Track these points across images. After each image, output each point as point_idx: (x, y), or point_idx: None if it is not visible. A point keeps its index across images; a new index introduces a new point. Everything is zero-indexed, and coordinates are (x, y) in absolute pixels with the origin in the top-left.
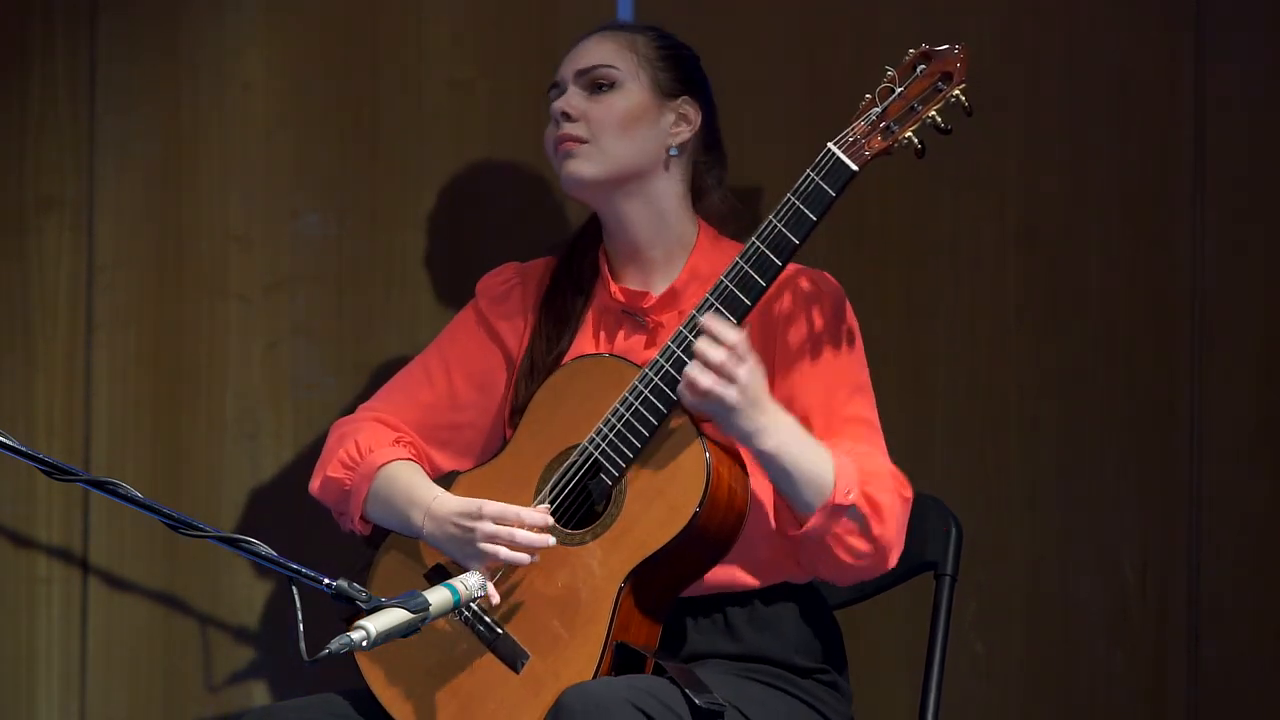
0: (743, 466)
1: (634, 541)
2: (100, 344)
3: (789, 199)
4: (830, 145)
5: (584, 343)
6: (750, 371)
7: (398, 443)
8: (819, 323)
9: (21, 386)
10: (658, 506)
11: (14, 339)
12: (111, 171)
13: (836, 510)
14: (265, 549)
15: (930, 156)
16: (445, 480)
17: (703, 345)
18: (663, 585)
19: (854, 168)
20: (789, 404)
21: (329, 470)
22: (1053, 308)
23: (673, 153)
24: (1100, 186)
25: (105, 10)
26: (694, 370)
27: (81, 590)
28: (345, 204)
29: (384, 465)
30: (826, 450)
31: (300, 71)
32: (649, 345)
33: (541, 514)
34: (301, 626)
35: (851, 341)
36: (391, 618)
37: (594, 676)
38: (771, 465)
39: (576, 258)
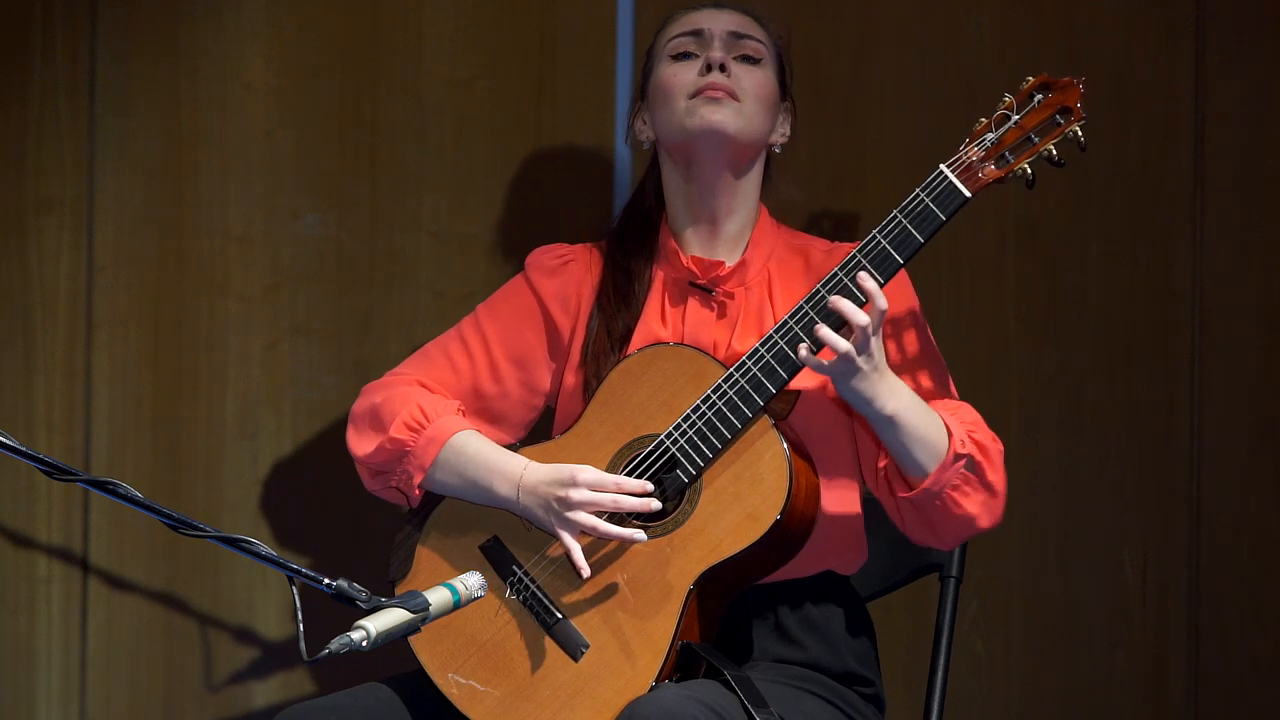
0: (816, 473)
1: (707, 544)
2: (100, 344)
3: (895, 216)
4: (942, 167)
5: (651, 315)
6: (879, 340)
7: (459, 411)
8: (896, 294)
9: (21, 386)
10: (734, 511)
11: (14, 339)
12: (111, 171)
13: (956, 460)
14: (265, 549)
15: (930, 155)
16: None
17: (847, 307)
18: (727, 587)
19: (967, 194)
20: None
21: (392, 431)
22: (1053, 308)
23: (776, 149)
24: (1100, 187)
25: (105, 10)
26: (829, 334)
27: (81, 590)
28: (345, 204)
29: (456, 433)
30: (932, 410)
31: (300, 71)
32: (720, 318)
33: (642, 483)
34: (302, 626)
35: (917, 311)
36: (391, 618)
37: (658, 676)
38: (890, 429)
39: (639, 230)
